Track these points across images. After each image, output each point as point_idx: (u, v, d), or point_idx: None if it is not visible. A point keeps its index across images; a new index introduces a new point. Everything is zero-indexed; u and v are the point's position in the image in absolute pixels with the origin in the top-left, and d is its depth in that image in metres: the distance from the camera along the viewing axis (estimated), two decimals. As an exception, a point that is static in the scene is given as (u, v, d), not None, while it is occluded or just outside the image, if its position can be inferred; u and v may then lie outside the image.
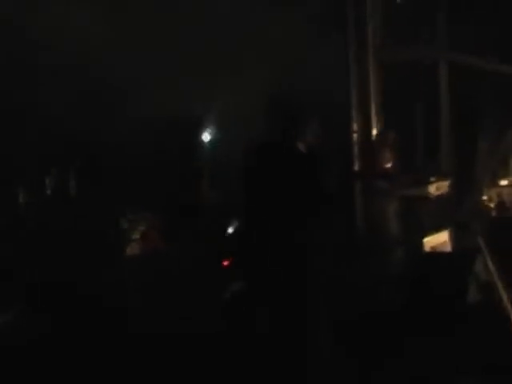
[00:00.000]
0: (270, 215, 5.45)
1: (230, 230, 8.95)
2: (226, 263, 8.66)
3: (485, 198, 12.87)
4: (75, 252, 7.93)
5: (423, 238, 8.71)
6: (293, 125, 5.58)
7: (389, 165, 9.02)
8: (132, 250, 8.72)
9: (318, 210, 5.57)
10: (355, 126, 9.52)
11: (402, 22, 9.64)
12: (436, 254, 8.69)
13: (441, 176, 9.78)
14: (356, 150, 9.49)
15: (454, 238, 9.28)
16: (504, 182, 14.06)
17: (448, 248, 9.19)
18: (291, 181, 5.45)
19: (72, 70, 8.40)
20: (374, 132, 9.62)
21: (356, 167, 9.55)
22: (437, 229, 9.12)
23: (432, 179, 9.50)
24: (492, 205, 15.34)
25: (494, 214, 13.97)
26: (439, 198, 9.43)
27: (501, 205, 14.93)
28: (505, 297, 6.76)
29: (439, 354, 6.11)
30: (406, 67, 9.99)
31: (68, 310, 7.03)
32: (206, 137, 10.01)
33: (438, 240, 9.10)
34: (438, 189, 9.37)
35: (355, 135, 9.48)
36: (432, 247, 8.89)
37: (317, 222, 5.57)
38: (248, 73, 9.08)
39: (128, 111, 8.58)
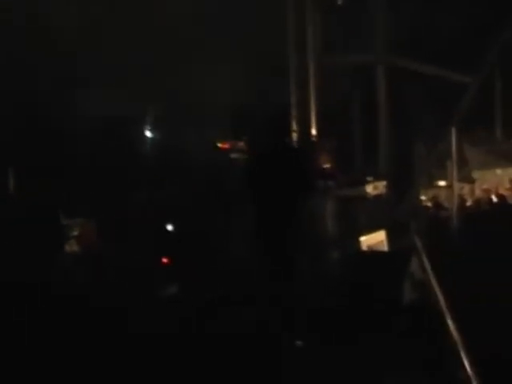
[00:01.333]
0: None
1: (170, 228, 8.96)
2: (165, 261, 8.68)
3: (423, 198, 13.11)
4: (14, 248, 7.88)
5: (360, 237, 8.82)
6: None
7: (327, 166, 9.11)
8: (71, 247, 8.68)
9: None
10: (295, 126, 9.55)
11: (341, 26, 9.70)
12: (372, 253, 8.78)
13: (378, 176, 9.91)
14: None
15: (391, 238, 9.40)
16: (442, 183, 14.35)
17: (385, 247, 9.32)
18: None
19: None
20: (313, 132, 9.70)
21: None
22: (374, 228, 9.23)
23: (369, 179, 9.61)
24: (429, 205, 15.64)
25: (431, 213, 14.25)
26: (376, 197, 9.54)
27: (438, 205, 15.23)
28: (439, 295, 6.86)
29: (374, 350, 6.16)
30: (345, 70, 10.09)
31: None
32: (147, 137, 9.95)
33: (375, 239, 9.21)
34: (375, 189, 9.48)
35: (295, 135, 9.51)
36: (369, 246, 9.00)
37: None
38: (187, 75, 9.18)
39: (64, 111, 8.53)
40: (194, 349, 6.21)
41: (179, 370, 5.88)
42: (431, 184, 13.35)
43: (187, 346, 6.28)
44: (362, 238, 8.89)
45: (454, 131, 12.05)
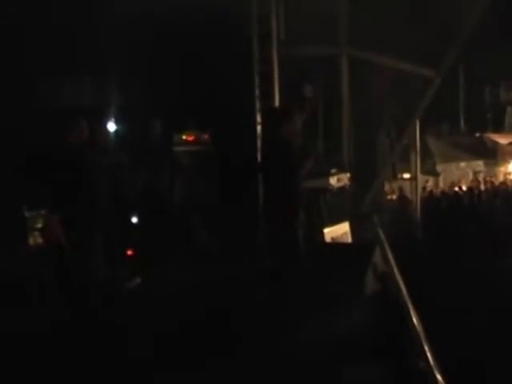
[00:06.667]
0: None
1: (134, 220, 8.90)
2: (129, 253, 8.63)
3: (386, 190, 13.23)
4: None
5: (323, 228, 8.84)
6: None
7: None
8: (35, 240, 8.59)
9: None
10: (259, 118, 9.53)
11: (305, 19, 9.69)
12: (335, 245, 8.80)
13: (342, 168, 9.93)
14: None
15: (355, 229, 9.44)
16: (406, 176, 14.48)
17: (349, 239, 9.36)
18: None
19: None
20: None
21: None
22: (338, 220, 9.27)
23: (333, 171, 9.63)
24: (393, 197, 15.79)
25: (395, 206, 14.40)
26: (340, 189, 9.57)
27: (402, 197, 15.39)
28: (402, 286, 6.90)
29: (335, 340, 6.17)
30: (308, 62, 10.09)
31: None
32: (111, 127, 9.89)
33: (339, 231, 9.25)
34: (339, 181, 9.51)
35: (259, 127, 9.49)
36: (333, 238, 9.02)
37: None
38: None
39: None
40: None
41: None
42: (395, 176, 13.46)
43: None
44: (326, 230, 8.90)
45: (417, 124, 12.21)
